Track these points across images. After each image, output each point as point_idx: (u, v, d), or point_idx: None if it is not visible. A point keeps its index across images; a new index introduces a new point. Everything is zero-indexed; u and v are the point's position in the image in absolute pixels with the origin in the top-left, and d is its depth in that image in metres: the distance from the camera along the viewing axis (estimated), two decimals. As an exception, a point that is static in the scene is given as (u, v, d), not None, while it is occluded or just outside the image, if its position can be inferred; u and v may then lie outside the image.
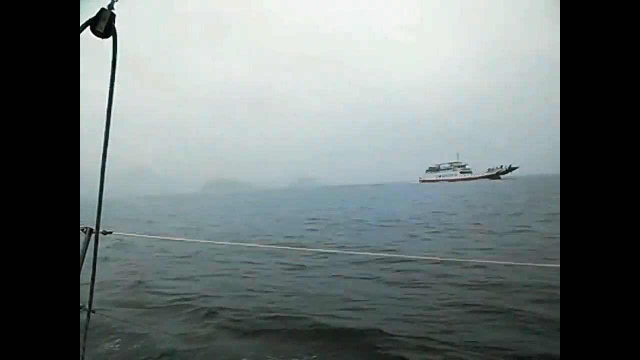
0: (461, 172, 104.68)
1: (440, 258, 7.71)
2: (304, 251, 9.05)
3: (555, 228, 10.89)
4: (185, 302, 5.76)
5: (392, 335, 4.16)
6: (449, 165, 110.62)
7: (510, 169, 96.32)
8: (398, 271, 7.06)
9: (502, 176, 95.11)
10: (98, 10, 1.26)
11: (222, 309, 5.27)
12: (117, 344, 4.18)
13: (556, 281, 3.66)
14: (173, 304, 5.77)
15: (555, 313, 4.43)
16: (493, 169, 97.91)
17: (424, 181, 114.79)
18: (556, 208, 14.85)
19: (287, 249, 9.64)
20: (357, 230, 14.63)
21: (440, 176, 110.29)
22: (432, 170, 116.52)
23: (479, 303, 5.17)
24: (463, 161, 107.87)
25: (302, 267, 7.97)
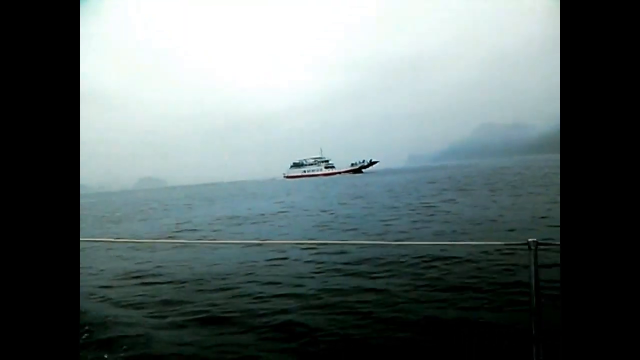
0: (325, 167, 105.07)
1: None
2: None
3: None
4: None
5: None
6: (312, 161, 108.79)
7: (371, 163, 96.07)
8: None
9: (363, 170, 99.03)
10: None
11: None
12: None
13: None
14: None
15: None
16: (356, 163, 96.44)
17: (288, 177, 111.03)
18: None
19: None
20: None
21: (304, 171, 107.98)
22: (295, 165, 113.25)
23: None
24: (326, 156, 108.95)
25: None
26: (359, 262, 6.17)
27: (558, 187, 17.06)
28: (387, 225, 10.86)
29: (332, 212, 15.71)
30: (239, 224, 14.22)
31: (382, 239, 8.98)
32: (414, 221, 11.26)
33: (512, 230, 8.62)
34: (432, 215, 12.09)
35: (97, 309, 4.79)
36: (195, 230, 13.49)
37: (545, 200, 13.24)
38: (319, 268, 6.13)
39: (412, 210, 13.81)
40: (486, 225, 9.58)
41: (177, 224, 15.88)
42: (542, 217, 9.87)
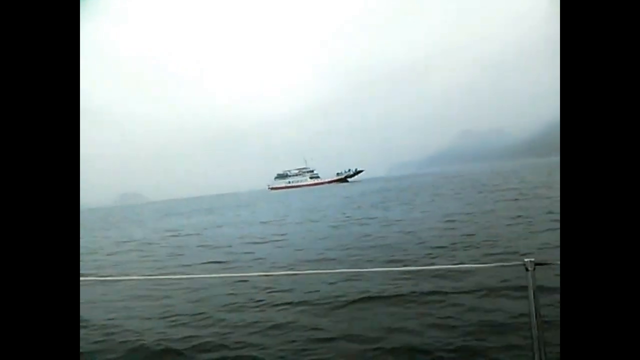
0: (310, 177, 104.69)
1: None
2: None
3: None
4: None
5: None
6: (297, 171, 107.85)
7: (357, 172, 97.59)
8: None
9: (349, 179, 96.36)
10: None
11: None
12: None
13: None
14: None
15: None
16: (341, 173, 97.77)
17: (272, 188, 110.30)
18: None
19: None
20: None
21: (289, 182, 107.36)
22: (280, 176, 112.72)
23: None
24: (310, 166, 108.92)
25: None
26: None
27: (497, 192, 18.99)
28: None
29: (272, 222, 17.66)
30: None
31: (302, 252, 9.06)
32: (334, 227, 13.10)
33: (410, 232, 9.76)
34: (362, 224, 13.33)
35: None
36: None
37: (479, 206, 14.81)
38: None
39: (346, 221, 15.14)
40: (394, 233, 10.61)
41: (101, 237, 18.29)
42: (452, 221, 11.12)
